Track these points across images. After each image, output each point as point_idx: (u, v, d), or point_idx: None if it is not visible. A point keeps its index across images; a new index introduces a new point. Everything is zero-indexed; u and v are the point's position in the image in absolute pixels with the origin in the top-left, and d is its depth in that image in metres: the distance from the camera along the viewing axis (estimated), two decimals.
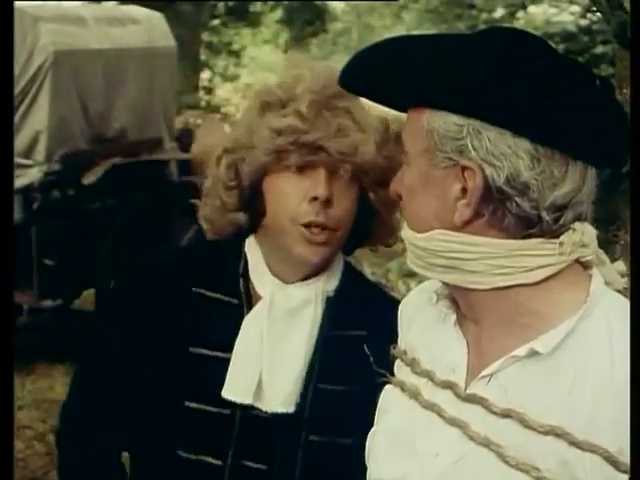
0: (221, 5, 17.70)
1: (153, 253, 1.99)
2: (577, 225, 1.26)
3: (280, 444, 1.79)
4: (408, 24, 21.49)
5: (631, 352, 1.19)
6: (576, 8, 10.21)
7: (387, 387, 1.45)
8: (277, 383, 1.78)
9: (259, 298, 1.82)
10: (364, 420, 1.50)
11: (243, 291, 1.83)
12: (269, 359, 1.78)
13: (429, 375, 1.36)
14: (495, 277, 1.26)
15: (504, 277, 1.25)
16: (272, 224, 1.79)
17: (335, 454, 1.80)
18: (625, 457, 1.18)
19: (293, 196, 1.75)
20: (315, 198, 1.74)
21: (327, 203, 1.74)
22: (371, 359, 1.48)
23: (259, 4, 18.06)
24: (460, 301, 1.34)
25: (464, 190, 1.25)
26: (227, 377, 1.78)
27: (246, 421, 1.79)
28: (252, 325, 1.79)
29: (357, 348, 1.70)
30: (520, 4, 11.62)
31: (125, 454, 1.93)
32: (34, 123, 6.02)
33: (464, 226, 1.26)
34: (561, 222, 1.25)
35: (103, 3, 11.54)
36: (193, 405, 1.79)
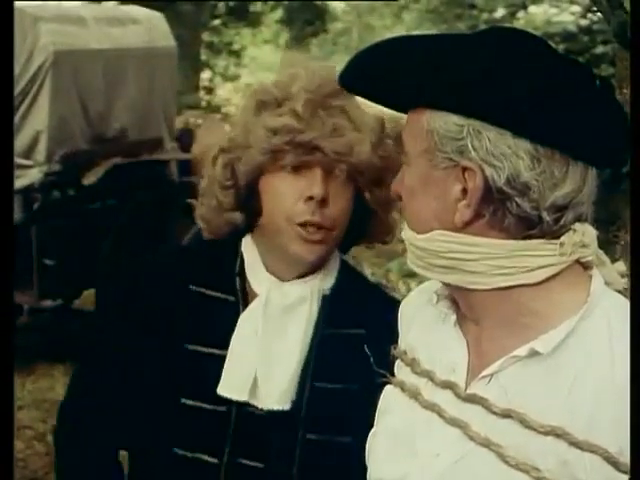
0: (221, 5, 17.68)
1: (153, 253, 1.99)
2: (577, 226, 1.27)
3: (276, 442, 1.79)
4: (408, 24, 21.49)
5: (631, 352, 1.19)
6: (576, 8, 10.20)
7: (387, 387, 1.45)
8: (272, 380, 1.78)
9: (255, 296, 1.82)
10: (362, 419, 1.50)
11: (239, 289, 1.83)
12: (264, 356, 1.78)
13: (429, 375, 1.36)
14: (496, 277, 1.26)
15: (505, 277, 1.25)
16: (268, 223, 1.79)
17: (333, 453, 1.80)
18: (625, 457, 1.18)
19: (289, 196, 1.75)
20: (311, 198, 1.74)
21: (323, 203, 1.74)
22: (371, 359, 1.48)
23: (259, 4, 18.04)
24: (460, 301, 1.34)
25: (464, 191, 1.25)
26: (223, 374, 1.78)
27: (242, 418, 1.79)
28: (248, 322, 1.80)
29: (355, 347, 1.70)
30: (520, 4, 11.61)
31: (123, 452, 1.93)
32: (34, 123, 6.01)
33: (464, 227, 1.26)
34: (562, 223, 1.25)
35: (103, 3, 11.53)
36: (189, 402, 1.79)
